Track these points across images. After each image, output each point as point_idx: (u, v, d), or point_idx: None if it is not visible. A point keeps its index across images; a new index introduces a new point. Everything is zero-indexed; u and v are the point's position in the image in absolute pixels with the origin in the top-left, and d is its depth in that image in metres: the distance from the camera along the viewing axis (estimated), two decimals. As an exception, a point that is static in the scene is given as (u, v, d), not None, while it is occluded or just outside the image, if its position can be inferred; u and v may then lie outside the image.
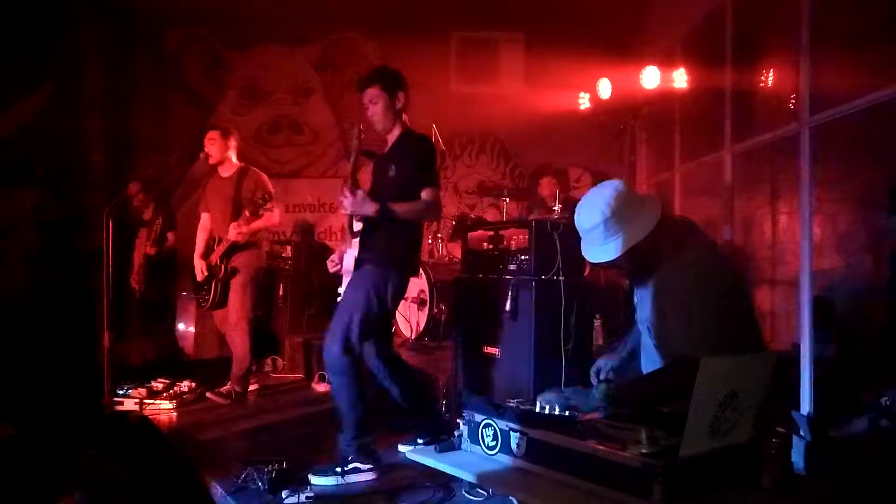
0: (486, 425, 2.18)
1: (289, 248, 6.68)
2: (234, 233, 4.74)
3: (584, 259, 3.61)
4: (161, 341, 6.53)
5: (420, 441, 3.47)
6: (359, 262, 3.37)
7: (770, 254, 5.96)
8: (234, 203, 4.85)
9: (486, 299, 3.89)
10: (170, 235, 6.30)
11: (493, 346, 3.83)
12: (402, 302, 5.57)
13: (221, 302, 4.87)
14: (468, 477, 2.16)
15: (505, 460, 2.11)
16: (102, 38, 7.58)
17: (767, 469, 1.88)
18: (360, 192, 3.26)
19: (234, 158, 5.01)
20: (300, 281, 6.50)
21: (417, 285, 5.64)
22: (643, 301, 2.45)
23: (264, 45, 8.14)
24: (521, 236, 3.78)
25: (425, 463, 2.30)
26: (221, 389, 4.85)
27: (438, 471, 2.27)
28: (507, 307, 3.70)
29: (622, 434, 1.92)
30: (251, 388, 5.11)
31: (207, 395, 4.79)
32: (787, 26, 4.52)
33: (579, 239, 3.80)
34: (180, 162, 6.79)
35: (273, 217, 4.91)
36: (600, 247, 2.34)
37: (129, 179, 6.56)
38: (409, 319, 5.72)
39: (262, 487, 2.95)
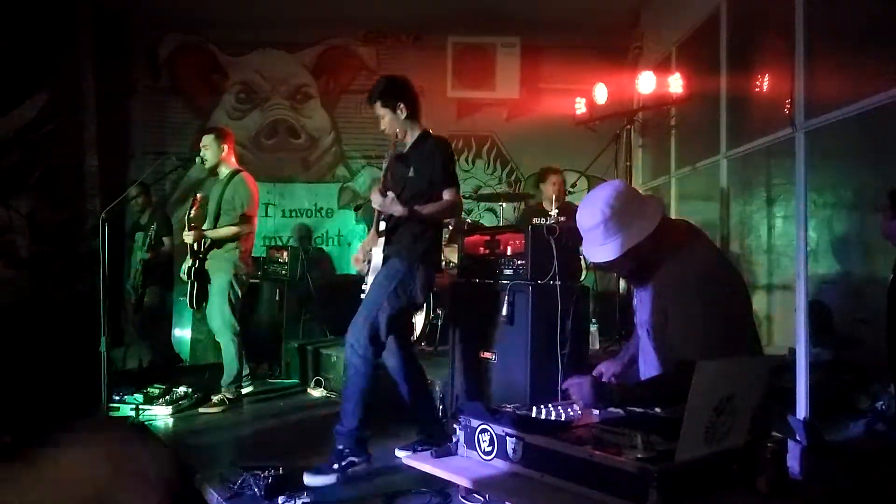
0: (483, 430, 2.18)
1: (285, 252, 6.67)
2: (186, 236, 4.77)
3: (580, 263, 3.62)
4: (158, 347, 6.51)
5: (418, 448, 3.47)
6: (385, 259, 3.47)
7: (766, 258, 5.98)
8: (217, 205, 4.85)
9: (482, 304, 3.90)
10: (166, 240, 6.29)
11: (490, 350, 3.84)
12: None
13: (198, 302, 4.85)
14: (464, 482, 2.16)
15: (501, 465, 2.11)
16: (98, 44, 7.58)
17: (763, 473, 1.88)
18: (390, 194, 3.39)
19: (231, 161, 4.99)
20: (297, 286, 6.49)
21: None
22: (643, 303, 2.45)
23: (261, 50, 8.15)
24: (517, 241, 3.79)
25: (422, 468, 2.29)
26: (213, 399, 4.81)
27: (435, 476, 2.27)
28: (504, 312, 3.70)
29: (618, 439, 1.92)
30: (244, 389, 5.08)
31: (200, 410, 4.76)
32: (782, 32, 4.54)
33: (576, 243, 3.83)
34: (176, 167, 6.78)
35: (246, 226, 4.85)
36: (601, 246, 2.32)
37: (126, 185, 6.57)
38: (422, 306, 5.68)
39: (258, 493, 2.95)
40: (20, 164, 7.48)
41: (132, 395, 4.70)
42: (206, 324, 5.32)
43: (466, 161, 8.20)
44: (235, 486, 3.04)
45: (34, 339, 6.15)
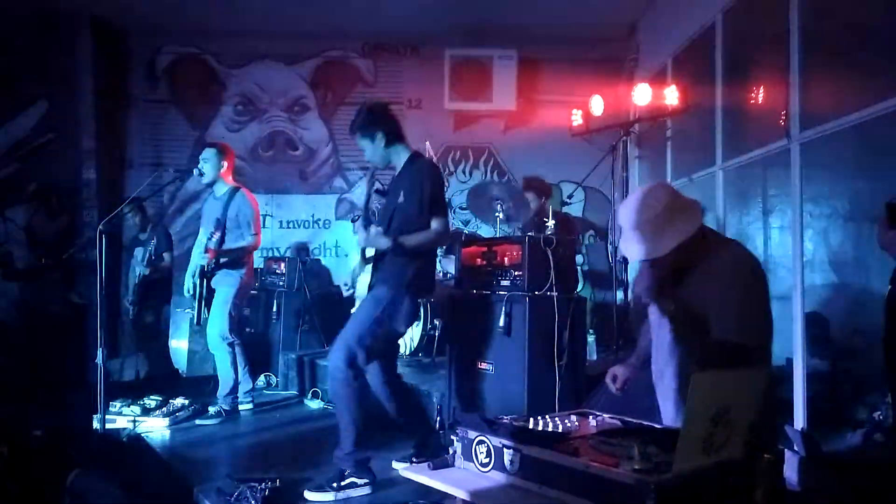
0: (480, 442, 2.18)
1: (282, 264, 6.67)
2: (200, 257, 4.78)
3: (577, 274, 3.64)
4: (154, 358, 6.49)
5: (415, 460, 3.46)
6: (371, 286, 3.47)
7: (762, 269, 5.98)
8: (219, 224, 4.86)
9: (479, 315, 3.90)
10: (165, 256, 6.29)
11: (487, 361, 3.84)
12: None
13: (205, 318, 4.87)
14: (462, 494, 2.15)
15: (498, 477, 2.11)
16: (97, 55, 7.60)
17: (760, 485, 1.88)
18: (373, 228, 3.39)
19: (228, 178, 5.01)
20: (294, 297, 6.49)
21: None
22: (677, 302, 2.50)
23: (259, 63, 8.18)
24: (514, 252, 3.80)
25: (419, 480, 2.29)
26: (210, 411, 4.81)
27: (432, 488, 2.26)
28: (501, 323, 3.71)
29: (615, 450, 1.92)
30: (244, 406, 5.08)
31: (197, 421, 4.75)
32: (777, 43, 4.56)
33: (573, 254, 3.84)
34: (174, 179, 6.79)
35: (253, 242, 4.89)
36: (642, 245, 2.39)
37: (123, 196, 6.58)
38: (404, 336, 5.70)
39: (254, 506, 2.94)
40: (17, 176, 7.49)
41: (129, 406, 4.68)
42: (203, 335, 5.32)
43: (464, 172, 8.22)
44: (232, 499, 3.03)
45: (31, 350, 6.14)
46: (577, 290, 4.06)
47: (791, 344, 4.31)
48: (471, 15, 7.36)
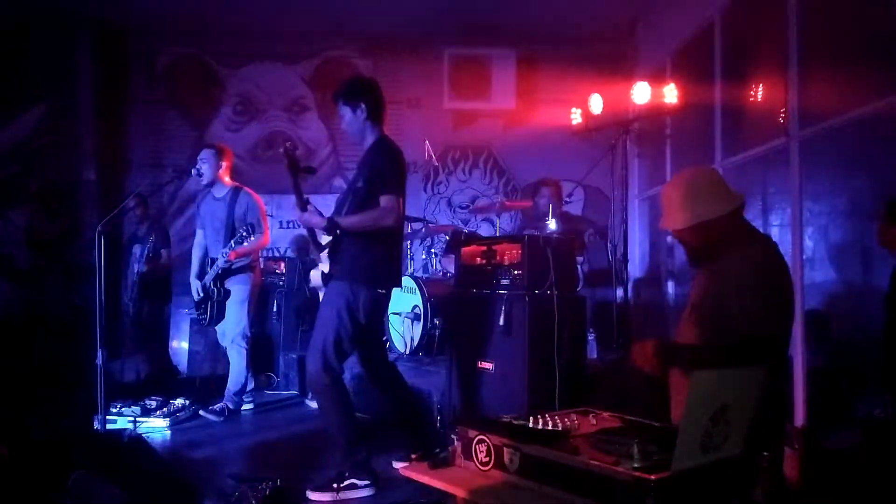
0: (480, 441, 2.18)
1: (282, 264, 6.67)
2: (222, 260, 4.79)
3: (577, 273, 3.64)
4: (155, 359, 6.49)
5: (412, 456, 3.46)
6: (328, 278, 3.35)
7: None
8: (226, 225, 4.86)
9: (479, 314, 3.90)
10: (163, 253, 6.29)
11: (487, 360, 3.84)
12: (396, 317, 5.60)
13: (219, 319, 4.89)
14: (462, 493, 2.15)
15: (498, 476, 2.11)
16: (96, 56, 7.60)
17: (760, 482, 1.88)
18: (310, 207, 3.30)
19: (227, 178, 5.01)
20: (294, 297, 6.50)
21: (411, 300, 5.64)
22: (695, 285, 2.55)
23: (258, 63, 8.18)
24: (514, 251, 3.80)
25: (419, 479, 2.29)
26: (215, 406, 4.84)
27: (432, 487, 2.27)
28: (501, 322, 3.71)
29: (615, 448, 1.92)
30: (245, 406, 5.09)
31: (200, 412, 4.78)
32: (776, 41, 4.57)
33: (572, 254, 3.85)
34: (173, 180, 6.79)
35: (262, 240, 4.92)
36: (675, 214, 2.43)
37: (123, 197, 6.58)
38: (404, 335, 5.71)
39: (255, 505, 2.94)
40: (18, 177, 7.49)
41: (129, 407, 4.69)
42: (203, 335, 5.33)
43: (463, 172, 8.22)
44: (233, 499, 3.03)
45: (31, 351, 6.14)
46: (577, 288, 4.06)
47: (791, 341, 4.30)
48: (470, 14, 7.36)
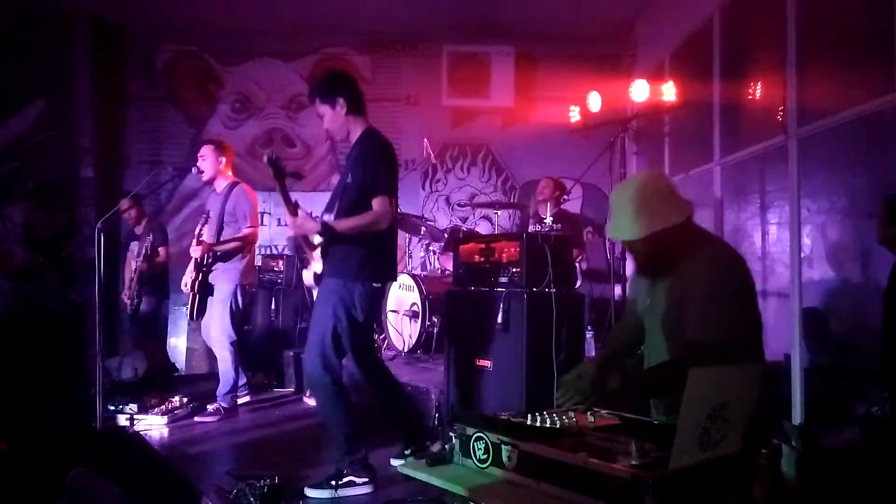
0: (478, 438, 2.19)
1: (281, 261, 6.68)
2: (193, 248, 4.77)
3: (575, 271, 3.62)
4: (153, 356, 6.49)
5: (407, 453, 3.46)
6: (320, 276, 3.33)
7: (760, 265, 6.00)
8: (218, 220, 4.87)
9: (477, 312, 3.90)
10: (161, 251, 6.29)
11: (485, 358, 3.84)
12: (394, 315, 5.60)
13: (198, 314, 4.87)
14: (459, 490, 2.15)
15: (496, 473, 2.11)
16: (94, 53, 7.59)
17: (758, 480, 1.88)
18: (301, 212, 3.22)
19: (228, 173, 5.01)
20: (292, 294, 6.50)
21: (410, 298, 5.64)
22: (657, 299, 2.48)
23: (256, 60, 8.17)
24: (512, 249, 3.80)
25: (417, 477, 2.30)
26: (209, 408, 4.83)
27: (430, 484, 2.27)
28: (499, 320, 3.71)
29: (613, 446, 1.92)
30: (241, 399, 5.09)
31: (196, 419, 4.77)
32: (775, 39, 4.57)
33: (571, 251, 3.85)
34: (172, 177, 6.78)
35: (247, 235, 4.89)
36: (626, 225, 2.36)
37: (121, 194, 6.57)
38: (402, 332, 5.72)
39: (253, 503, 2.94)
40: (16, 174, 7.48)
41: (127, 404, 4.69)
42: (201, 333, 5.32)
43: (462, 169, 8.22)
44: (231, 496, 3.04)
45: (29, 348, 6.13)
46: (576, 286, 4.06)
47: (789, 340, 4.31)
48: (468, 11, 7.36)
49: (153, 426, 4.56)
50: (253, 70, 8.18)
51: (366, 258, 3.23)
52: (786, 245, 4.77)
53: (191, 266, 4.94)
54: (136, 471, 3.75)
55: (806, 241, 5.16)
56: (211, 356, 5.25)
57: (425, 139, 6.36)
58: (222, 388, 4.90)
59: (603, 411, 2.39)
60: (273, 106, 8.17)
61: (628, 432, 2.04)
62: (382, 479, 3.27)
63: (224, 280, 4.86)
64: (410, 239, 6.45)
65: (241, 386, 5.07)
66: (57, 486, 2.87)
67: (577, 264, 4.08)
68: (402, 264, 6.22)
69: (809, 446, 3.60)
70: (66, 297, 7.13)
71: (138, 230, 6.41)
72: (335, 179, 8.14)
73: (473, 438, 2.20)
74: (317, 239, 3.35)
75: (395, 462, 3.49)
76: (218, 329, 4.84)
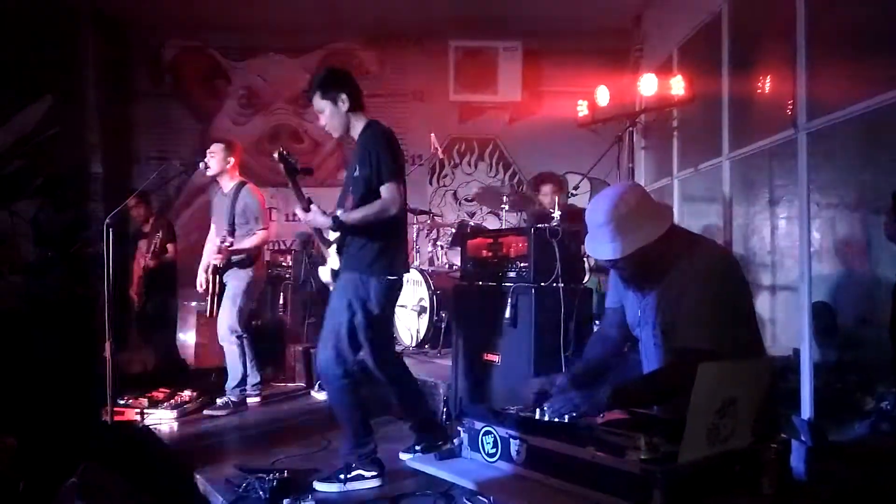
0: (486, 432, 2.19)
1: (289, 256, 6.70)
2: (215, 257, 4.80)
3: (583, 265, 3.59)
4: (162, 351, 6.52)
5: (418, 448, 3.46)
6: (337, 272, 3.34)
7: (769, 260, 5.98)
8: (228, 221, 4.88)
9: (485, 307, 3.90)
10: (170, 247, 6.30)
11: (493, 353, 3.84)
12: (402, 309, 5.60)
13: (218, 312, 4.91)
14: (468, 484, 2.16)
15: (505, 467, 2.12)
16: (101, 50, 7.61)
17: (767, 475, 1.88)
18: (313, 207, 3.22)
19: (235, 173, 5.02)
20: (300, 289, 6.51)
21: (417, 293, 5.65)
22: (648, 309, 2.44)
23: (263, 55, 8.18)
24: (520, 244, 3.79)
25: (426, 470, 2.30)
26: (218, 402, 4.85)
27: (439, 478, 2.28)
28: (507, 314, 3.70)
29: (621, 441, 1.92)
30: (252, 399, 5.11)
31: (205, 412, 4.79)
32: (784, 33, 4.54)
33: (579, 246, 3.83)
34: (179, 173, 6.80)
35: (263, 236, 4.91)
36: (608, 244, 2.31)
37: (129, 190, 6.59)
38: (410, 327, 5.72)
39: (262, 497, 2.95)
40: (24, 170, 7.50)
41: (137, 399, 4.71)
42: (210, 327, 5.35)
43: (469, 164, 8.22)
44: (240, 490, 3.04)
45: (38, 343, 6.17)
46: (584, 281, 4.04)
47: (798, 334, 4.30)
48: (475, 6, 7.34)
49: (162, 420, 4.57)
50: (260, 65, 8.19)
51: (380, 251, 3.24)
52: (795, 240, 4.75)
53: (203, 265, 4.96)
54: (144, 465, 3.78)
55: (815, 235, 5.14)
56: (221, 350, 5.26)
57: (432, 134, 6.34)
58: (231, 382, 4.93)
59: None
60: (280, 101, 8.18)
61: (637, 427, 2.04)
62: (391, 473, 3.28)
63: (235, 279, 4.89)
64: (418, 234, 6.45)
65: (254, 385, 5.09)
66: (66, 480, 2.89)
67: (584, 259, 4.06)
68: (409, 259, 6.22)
69: (818, 441, 3.59)
70: (74, 293, 7.16)
71: (146, 228, 6.43)
72: (343, 174, 8.14)
73: (482, 432, 2.21)
74: (332, 235, 3.35)
75: (404, 456, 3.49)
76: (226, 325, 4.87)
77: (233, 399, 4.88)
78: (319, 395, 5.34)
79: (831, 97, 4.18)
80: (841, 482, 2.97)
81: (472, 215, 7.79)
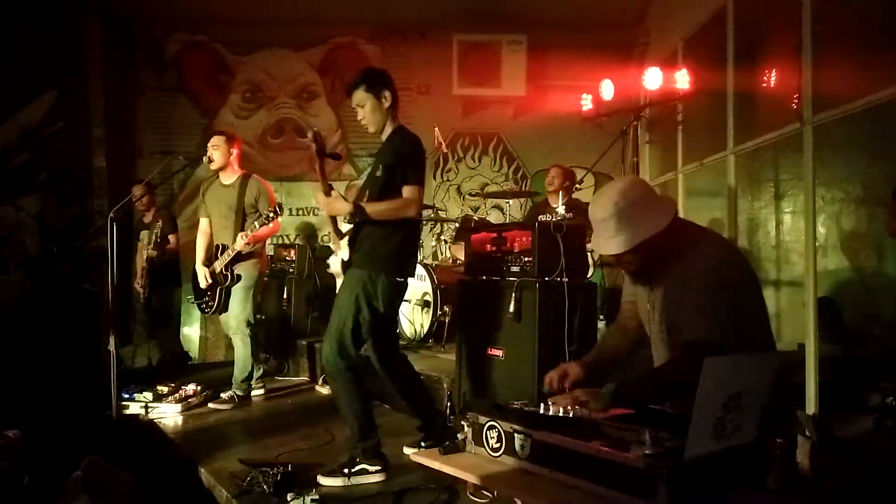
0: (490, 427, 2.18)
1: (292, 251, 6.70)
2: (241, 243, 4.76)
3: (588, 260, 3.57)
4: (166, 345, 6.54)
5: (423, 445, 3.47)
6: (347, 265, 3.37)
7: (775, 254, 5.96)
8: (236, 211, 4.87)
9: (489, 301, 3.89)
10: (171, 238, 6.31)
11: (497, 347, 3.83)
12: (406, 304, 5.60)
13: (225, 307, 4.91)
14: (473, 479, 2.16)
15: (509, 462, 2.11)
16: (105, 44, 7.60)
17: (772, 470, 1.87)
18: (333, 192, 3.30)
19: (236, 166, 5.02)
20: (304, 284, 6.52)
21: (421, 288, 5.64)
22: (656, 303, 2.43)
23: (267, 50, 8.16)
24: (524, 238, 3.78)
25: (430, 465, 2.30)
26: (223, 396, 4.86)
27: (443, 473, 2.27)
28: (511, 309, 3.70)
29: (626, 435, 1.92)
30: (256, 392, 5.12)
31: (210, 405, 4.80)
32: (789, 26, 4.51)
33: (583, 240, 3.82)
34: (184, 167, 6.80)
35: (274, 227, 4.91)
36: (611, 239, 2.29)
37: (132, 184, 6.60)
38: (414, 322, 5.72)
39: (266, 490, 2.96)
40: (28, 165, 7.52)
41: (141, 393, 4.72)
42: (215, 321, 5.35)
43: (473, 158, 8.20)
44: (244, 483, 3.06)
45: (43, 338, 6.19)
46: (588, 275, 4.04)
47: (803, 329, 4.28)
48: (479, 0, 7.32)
49: (167, 414, 4.58)
50: (263, 60, 8.17)
51: (393, 252, 3.30)
52: (800, 234, 4.73)
53: (200, 260, 4.95)
54: (149, 459, 3.79)
55: (821, 230, 5.12)
56: (225, 344, 5.27)
57: (436, 128, 6.34)
58: (239, 375, 4.93)
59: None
60: (284, 96, 8.17)
61: (642, 422, 2.03)
62: (395, 468, 3.28)
63: (245, 269, 4.90)
64: (422, 229, 6.45)
65: (258, 378, 5.11)
66: (70, 474, 2.89)
67: (589, 254, 4.05)
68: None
69: (823, 436, 3.58)
70: (79, 287, 7.18)
71: (147, 218, 6.44)
72: (346, 169, 8.15)
73: (486, 427, 2.20)
74: (345, 227, 3.41)
75: (408, 450, 3.50)
76: (240, 317, 4.88)
77: (238, 393, 4.89)
78: (323, 390, 5.35)
79: (837, 91, 4.16)
80: (846, 477, 2.97)
81: (475, 210, 7.78)
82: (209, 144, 4.98)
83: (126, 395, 4.64)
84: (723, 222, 5.78)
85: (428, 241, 6.44)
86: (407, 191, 3.25)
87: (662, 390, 2.29)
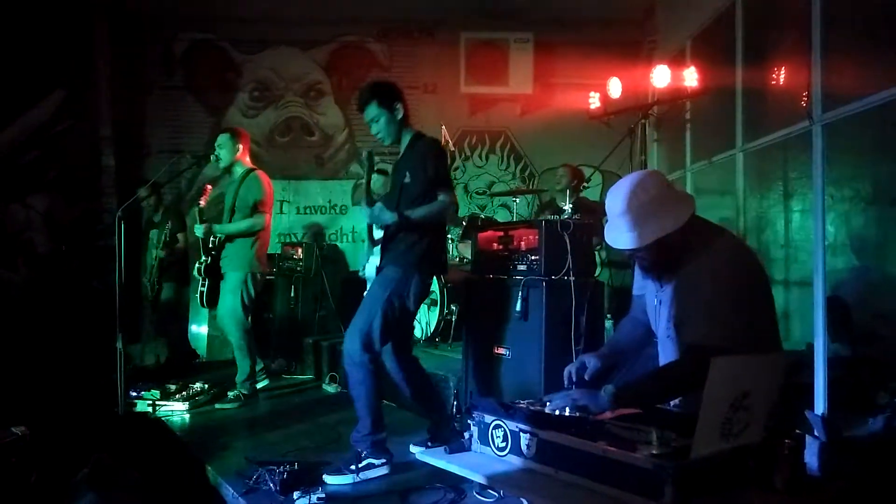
0: (496, 426, 2.18)
1: (300, 249, 6.70)
2: (197, 228, 4.81)
3: (594, 259, 3.56)
4: (174, 343, 6.56)
5: (430, 445, 3.48)
6: (381, 266, 3.46)
7: (783, 253, 5.93)
8: (231, 205, 4.89)
9: (496, 300, 3.89)
10: (180, 237, 6.33)
11: (504, 346, 3.83)
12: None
13: (209, 301, 4.88)
14: (478, 478, 2.15)
15: (515, 461, 2.11)
16: (114, 42, 7.64)
17: (780, 470, 1.86)
18: (378, 205, 3.36)
19: (245, 160, 5.01)
20: (311, 282, 6.52)
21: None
22: (663, 301, 2.41)
23: (274, 49, 8.17)
24: (531, 237, 3.77)
25: (436, 464, 2.30)
26: (229, 395, 4.86)
27: (449, 472, 2.27)
28: (518, 308, 3.69)
29: (633, 435, 1.91)
30: (260, 384, 5.11)
31: (217, 405, 4.80)
32: (799, 23, 4.48)
33: (591, 239, 3.81)
34: (191, 165, 6.81)
35: (259, 222, 4.84)
36: (627, 233, 2.27)
37: (141, 183, 6.62)
38: (420, 320, 5.72)
39: (273, 488, 2.96)
40: (37, 163, 7.56)
41: (149, 391, 4.73)
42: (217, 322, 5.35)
43: (480, 157, 8.19)
44: (251, 482, 3.06)
45: (52, 335, 6.22)
46: (595, 274, 4.02)
47: (812, 329, 4.26)
48: (486, -3, 7.33)
49: (174, 412, 4.60)
50: (271, 58, 8.17)
51: (425, 252, 3.40)
52: (809, 233, 4.70)
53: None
54: (156, 456, 3.80)
55: (830, 229, 5.08)
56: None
57: (443, 127, 6.32)
58: (240, 375, 4.93)
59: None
60: (291, 94, 8.18)
61: (649, 421, 2.02)
62: (401, 466, 3.29)
63: (234, 268, 4.85)
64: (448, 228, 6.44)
65: (259, 371, 5.10)
66: (78, 471, 2.90)
67: (596, 252, 4.04)
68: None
69: (832, 436, 3.56)
70: (87, 285, 7.21)
71: (156, 218, 6.46)
72: (354, 167, 8.15)
73: (492, 426, 2.20)
74: (377, 234, 3.54)
75: (414, 449, 3.50)
76: (230, 318, 4.85)
77: (244, 392, 4.89)
78: (330, 388, 5.35)
79: (847, 88, 4.13)
80: (855, 477, 2.95)
81: (482, 208, 7.77)
82: (216, 143, 4.99)
83: (134, 393, 4.65)
84: (731, 221, 5.75)
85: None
86: (443, 195, 3.38)
87: (663, 392, 2.28)
